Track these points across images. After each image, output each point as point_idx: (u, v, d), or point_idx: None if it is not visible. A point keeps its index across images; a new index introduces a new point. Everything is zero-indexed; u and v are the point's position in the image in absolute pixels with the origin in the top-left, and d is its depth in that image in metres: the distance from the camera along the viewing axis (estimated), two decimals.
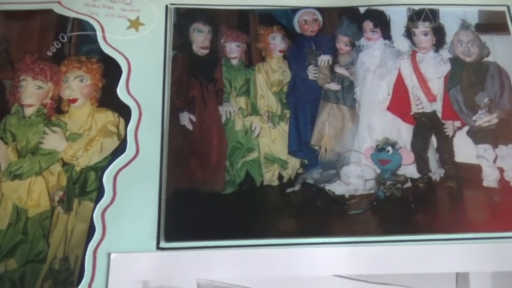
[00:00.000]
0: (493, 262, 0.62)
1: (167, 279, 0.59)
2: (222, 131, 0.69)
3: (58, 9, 0.76)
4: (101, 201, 0.63)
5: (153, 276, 0.59)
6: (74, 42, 0.73)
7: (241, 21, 0.77)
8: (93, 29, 0.74)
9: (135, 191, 0.64)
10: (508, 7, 0.80)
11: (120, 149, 0.66)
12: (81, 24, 0.75)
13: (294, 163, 0.68)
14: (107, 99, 0.69)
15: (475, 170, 0.69)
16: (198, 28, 0.75)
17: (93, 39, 0.73)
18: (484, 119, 0.72)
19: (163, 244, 0.61)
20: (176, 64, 0.72)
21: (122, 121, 0.68)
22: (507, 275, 0.62)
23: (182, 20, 0.76)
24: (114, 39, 0.74)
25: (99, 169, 0.65)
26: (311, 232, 0.63)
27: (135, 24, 0.75)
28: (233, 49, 0.74)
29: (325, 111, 0.72)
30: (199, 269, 0.60)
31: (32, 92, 0.69)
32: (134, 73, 0.71)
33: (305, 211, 0.65)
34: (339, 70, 0.74)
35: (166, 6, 0.77)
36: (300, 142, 0.70)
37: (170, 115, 0.69)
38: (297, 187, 0.66)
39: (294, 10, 0.78)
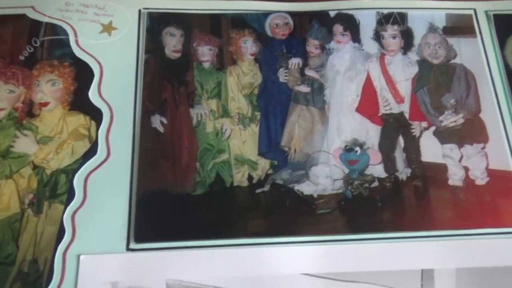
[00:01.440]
0: (457, 258, 0.64)
1: (137, 280, 0.60)
2: (193, 133, 0.70)
3: (31, 14, 0.77)
4: (71, 204, 0.63)
5: (122, 277, 0.60)
6: (46, 46, 0.74)
7: (213, 25, 0.78)
8: (66, 34, 0.75)
9: (106, 193, 0.64)
10: (475, 10, 0.83)
11: (91, 152, 0.67)
12: (54, 29, 0.75)
13: (264, 164, 0.69)
14: (79, 102, 0.70)
15: (441, 169, 0.70)
16: (170, 32, 0.76)
17: (65, 43, 0.74)
18: (450, 119, 0.74)
19: (133, 245, 0.62)
20: (148, 68, 0.73)
21: (93, 124, 0.69)
22: (470, 271, 0.63)
23: (155, 24, 0.77)
24: (86, 43, 0.74)
25: (70, 171, 0.65)
26: (279, 232, 0.64)
27: (108, 28, 0.76)
28: (205, 53, 0.76)
29: (295, 113, 0.73)
30: (168, 269, 0.61)
31: (3, 96, 0.69)
32: (106, 77, 0.72)
33: (274, 211, 0.66)
34: (309, 72, 0.76)
35: (139, 10, 0.78)
36: (270, 144, 0.71)
37: (142, 118, 0.70)
38: (266, 188, 0.67)
39: (266, 14, 0.79)
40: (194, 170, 0.67)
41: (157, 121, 0.70)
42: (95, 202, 0.64)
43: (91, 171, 0.66)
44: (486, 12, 0.82)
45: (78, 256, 0.60)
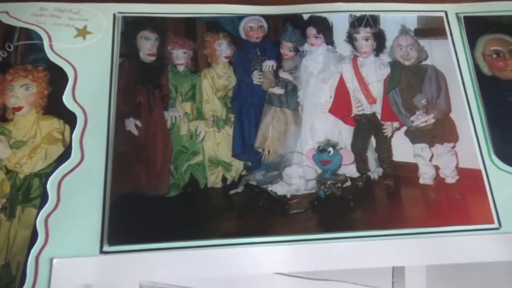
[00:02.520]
0: (427, 256, 0.65)
1: (110, 282, 0.60)
2: (167, 136, 0.70)
3: (6, 19, 0.77)
4: (44, 207, 0.63)
5: (95, 280, 0.60)
6: (20, 51, 0.74)
7: (188, 28, 0.79)
8: (40, 38, 0.75)
9: (80, 196, 0.65)
10: (446, 12, 0.84)
11: (65, 156, 0.67)
12: (28, 33, 0.75)
13: (238, 166, 0.70)
14: (53, 106, 0.70)
15: (412, 169, 0.72)
16: (145, 35, 0.77)
17: (39, 48, 0.74)
18: (421, 119, 0.75)
19: (106, 248, 0.62)
20: (122, 71, 0.74)
21: (67, 128, 0.69)
22: (440, 268, 0.64)
23: (130, 28, 0.77)
24: (61, 47, 0.74)
25: (44, 175, 0.65)
26: (253, 232, 0.65)
27: (83, 32, 0.76)
28: (180, 56, 0.76)
29: (269, 115, 0.74)
30: (142, 271, 0.61)
31: None
32: (80, 81, 0.72)
33: (248, 211, 0.67)
34: (283, 74, 0.77)
35: (114, 15, 0.78)
36: (244, 145, 0.72)
37: (116, 121, 0.70)
38: (240, 189, 0.68)
39: (240, 18, 0.80)
40: (168, 172, 0.68)
41: (132, 124, 0.70)
42: (68, 206, 0.64)
43: (65, 175, 0.66)
44: (457, 14, 0.84)
45: (51, 260, 0.60)
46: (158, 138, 0.70)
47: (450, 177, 0.71)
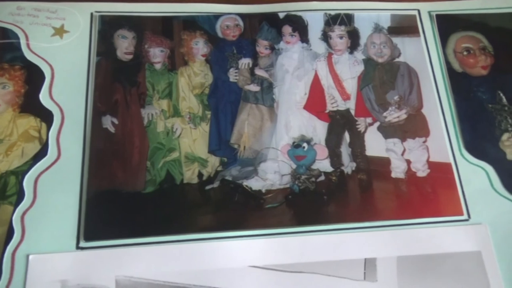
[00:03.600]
0: (398, 247, 0.67)
1: (86, 278, 0.61)
2: (143, 133, 0.71)
3: None
4: (21, 204, 0.64)
5: (71, 276, 0.61)
6: None
7: (165, 27, 0.80)
8: (17, 37, 0.75)
9: (56, 193, 0.65)
10: (418, 11, 0.86)
11: (41, 153, 0.68)
12: (5, 33, 0.75)
13: (214, 162, 0.71)
14: (30, 105, 0.71)
15: (384, 163, 0.73)
16: (122, 34, 0.78)
17: (16, 47, 0.74)
18: (394, 115, 0.77)
19: (82, 243, 0.63)
20: (99, 70, 0.74)
21: (44, 126, 0.69)
22: (411, 259, 0.66)
23: (107, 27, 0.78)
24: (38, 46, 0.75)
25: (20, 173, 0.66)
26: (228, 226, 0.66)
27: (60, 31, 0.77)
28: (157, 54, 0.77)
29: (244, 111, 0.75)
30: (118, 266, 0.62)
31: None
32: (57, 79, 0.73)
33: (223, 206, 0.68)
34: (259, 72, 0.78)
35: (91, 13, 0.79)
36: (220, 141, 0.73)
37: (93, 119, 0.71)
38: (216, 184, 0.69)
39: (217, 16, 0.82)
40: (144, 168, 0.69)
41: (108, 122, 0.71)
42: (45, 203, 0.65)
43: (41, 172, 0.66)
44: (429, 12, 0.86)
45: (27, 256, 0.61)
46: (134, 135, 0.71)
47: (421, 171, 0.73)
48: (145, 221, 0.65)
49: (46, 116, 0.70)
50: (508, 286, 0.64)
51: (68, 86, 0.72)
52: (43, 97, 0.71)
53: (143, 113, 0.73)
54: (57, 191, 0.65)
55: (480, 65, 0.81)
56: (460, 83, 0.80)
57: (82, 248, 0.63)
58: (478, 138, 0.75)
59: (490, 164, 0.73)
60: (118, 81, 0.74)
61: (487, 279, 0.65)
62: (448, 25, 0.85)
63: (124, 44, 0.77)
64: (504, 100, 0.78)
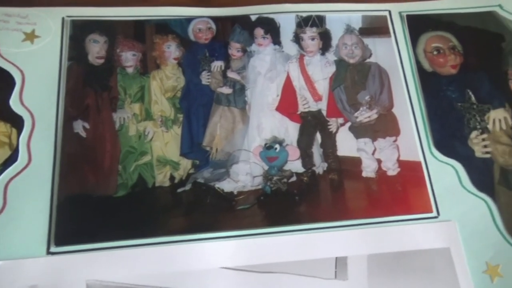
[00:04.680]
0: (369, 245, 0.68)
1: (56, 282, 0.61)
2: (115, 137, 0.72)
3: None
4: None
5: (42, 281, 0.61)
6: None
7: (137, 31, 0.80)
8: None
9: (27, 199, 0.65)
10: (389, 12, 0.87)
11: (11, 159, 0.67)
12: None
13: (185, 164, 0.72)
14: (0, 110, 0.71)
15: (355, 162, 0.74)
16: (94, 38, 0.78)
17: None
18: (365, 115, 0.78)
19: (53, 248, 0.63)
20: (71, 74, 0.74)
21: (14, 131, 0.69)
22: (381, 257, 0.67)
23: (78, 32, 0.78)
24: (8, 52, 0.75)
25: None
26: (200, 228, 0.66)
27: (31, 36, 0.76)
28: (129, 58, 0.77)
29: (217, 114, 0.76)
30: (89, 270, 0.62)
31: None
32: (28, 84, 0.72)
33: (195, 209, 0.68)
34: (231, 74, 0.79)
35: (63, 18, 0.79)
36: (192, 144, 0.73)
37: (64, 124, 0.71)
38: (188, 187, 0.70)
39: (189, 20, 0.82)
40: (116, 172, 0.69)
41: (80, 126, 0.71)
42: (15, 209, 0.65)
43: (12, 178, 0.66)
44: (400, 13, 0.87)
45: None
46: (106, 139, 0.71)
47: (392, 170, 0.74)
48: (116, 225, 0.65)
49: (16, 122, 0.70)
50: (476, 282, 0.66)
51: (39, 91, 0.72)
52: (14, 103, 0.71)
53: (115, 117, 0.73)
54: (27, 196, 0.65)
55: (449, 64, 0.83)
56: (430, 83, 0.81)
57: (53, 253, 0.63)
58: (448, 137, 0.77)
59: (459, 162, 0.74)
60: (89, 86, 0.74)
61: (456, 275, 0.66)
62: (418, 25, 0.86)
63: (96, 49, 0.77)
64: (473, 98, 0.80)
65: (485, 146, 0.76)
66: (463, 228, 0.69)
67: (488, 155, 0.75)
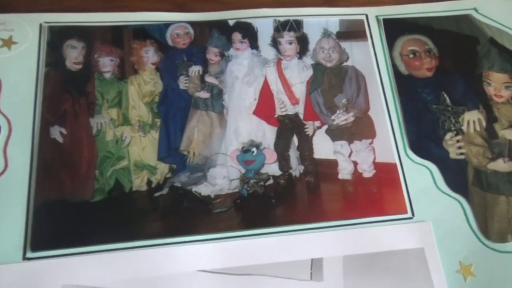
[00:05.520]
0: (345, 247, 0.68)
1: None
2: (92, 142, 0.72)
3: None
4: None
5: (18, 287, 0.61)
6: None
7: (115, 36, 0.80)
8: None
9: (3, 205, 0.65)
10: (366, 16, 0.89)
11: None
12: None
13: (163, 169, 0.72)
14: None
15: (332, 165, 0.75)
16: (72, 44, 0.78)
17: None
18: (341, 118, 0.79)
19: (29, 254, 0.63)
20: (48, 80, 0.75)
21: None
22: (356, 258, 0.68)
23: (56, 38, 0.79)
24: None
25: None
26: (177, 232, 0.67)
27: (8, 43, 0.77)
28: (106, 64, 0.78)
29: (194, 118, 0.77)
30: (65, 275, 0.63)
31: None
32: (5, 91, 0.73)
33: (172, 212, 0.69)
34: (209, 79, 0.80)
35: (40, 24, 0.79)
36: (169, 149, 0.74)
37: (41, 130, 0.71)
38: (165, 191, 0.70)
39: (167, 25, 0.83)
40: (93, 177, 0.69)
41: (57, 132, 0.71)
42: None
43: None
44: (377, 17, 0.88)
45: None
46: (83, 145, 0.71)
47: (368, 172, 0.75)
48: (93, 230, 0.66)
49: None
50: (449, 281, 0.67)
51: (16, 98, 0.73)
52: None
53: (92, 123, 0.73)
54: (3, 202, 0.66)
55: (425, 67, 0.84)
56: (406, 85, 0.82)
57: (29, 259, 0.63)
58: (423, 138, 0.78)
59: (434, 163, 0.75)
60: (67, 91, 0.75)
61: (430, 275, 0.67)
62: (395, 29, 0.88)
63: (73, 54, 0.77)
64: (448, 100, 0.81)
65: (460, 148, 0.77)
66: (437, 229, 0.70)
67: (462, 156, 0.77)
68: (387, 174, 0.74)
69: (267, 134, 0.76)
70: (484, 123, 0.79)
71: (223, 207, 0.70)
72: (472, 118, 0.80)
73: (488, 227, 0.71)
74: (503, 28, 0.88)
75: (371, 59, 0.84)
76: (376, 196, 0.73)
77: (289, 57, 0.82)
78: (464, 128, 0.79)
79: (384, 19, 0.88)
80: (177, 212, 0.69)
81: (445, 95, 0.81)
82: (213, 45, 0.82)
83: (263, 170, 0.74)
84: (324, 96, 0.80)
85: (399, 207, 0.72)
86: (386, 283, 0.67)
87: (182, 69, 0.79)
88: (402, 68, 0.84)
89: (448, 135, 0.78)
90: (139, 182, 0.70)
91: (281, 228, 0.69)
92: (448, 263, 0.68)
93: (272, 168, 0.74)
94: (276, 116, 0.78)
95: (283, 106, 0.79)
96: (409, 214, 0.71)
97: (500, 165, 0.76)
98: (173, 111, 0.76)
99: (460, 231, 0.71)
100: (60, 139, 0.71)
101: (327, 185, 0.73)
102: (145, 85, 0.77)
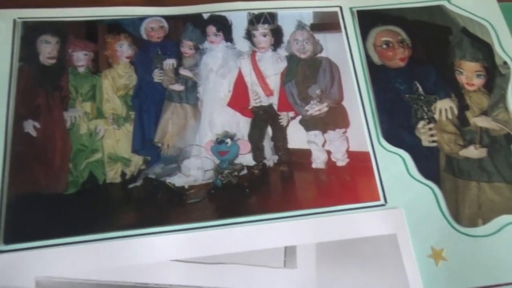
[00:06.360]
0: (318, 234, 0.69)
1: (5, 281, 0.61)
2: (66, 136, 0.72)
3: None
4: None
5: None
6: None
7: (89, 31, 0.80)
8: None
9: None
10: (340, 8, 0.89)
11: None
12: None
13: (137, 161, 0.73)
14: None
15: (305, 154, 0.76)
16: (45, 39, 0.78)
17: None
18: (315, 108, 0.80)
19: (2, 247, 0.63)
20: (22, 75, 0.75)
21: None
22: (329, 245, 0.69)
23: (30, 33, 0.79)
24: None
25: None
26: (151, 223, 0.67)
27: None
28: (80, 58, 0.78)
29: (168, 111, 0.77)
30: (39, 267, 0.63)
31: None
32: None
33: (146, 204, 0.69)
34: (183, 72, 0.80)
35: (14, 20, 0.79)
36: (143, 141, 0.74)
37: (14, 124, 0.71)
38: (139, 183, 0.71)
39: (141, 19, 0.83)
40: (67, 170, 0.70)
41: (30, 126, 0.72)
42: None
43: None
44: (350, 8, 0.89)
45: None
46: (57, 138, 0.72)
47: (341, 160, 0.75)
48: (66, 222, 0.66)
49: None
50: (421, 265, 0.68)
51: None
52: None
53: (66, 116, 0.74)
54: None
55: (398, 57, 0.85)
56: (379, 75, 0.83)
57: (2, 252, 0.63)
58: (396, 127, 0.79)
59: (406, 151, 0.76)
60: (40, 86, 0.75)
61: (402, 260, 0.68)
62: (368, 20, 0.89)
63: (47, 49, 0.78)
64: (420, 90, 0.82)
65: (432, 135, 0.78)
66: (410, 215, 0.71)
67: (434, 144, 0.78)
68: (360, 162, 0.75)
69: (241, 125, 0.77)
70: (456, 111, 0.81)
71: (197, 197, 0.70)
72: (444, 107, 0.81)
73: (459, 213, 0.73)
74: (475, 18, 0.90)
75: (345, 50, 0.85)
76: (349, 184, 0.74)
77: (263, 49, 0.83)
78: (436, 116, 0.80)
79: (358, 11, 0.89)
80: (151, 203, 0.69)
81: (418, 85, 0.83)
82: (187, 38, 0.82)
83: (237, 161, 0.74)
84: (298, 87, 0.81)
85: (372, 194, 0.73)
86: (359, 269, 0.68)
87: (157, 63, 0.80)
88: (376, 59, 0.85)
89: (421, 124, 0.79)
90: (113, 174, 0.71)
91: (255, 217, 0.69)
92: (420, 248, 0.69)
93: (246, 158, 0.75)
94: (250, 107, 0.79)
95: (257, 98, 0.79)
96: (381, 201, 0.72)
97: (472, 151, 0.78)
98: (147, 104, 0.77)
99: (432, 217, 0.72)
100: (34, 133, 0.71)
101: (301, 174, 0.74)
102: (119, 79, 0.78)
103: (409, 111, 0.80)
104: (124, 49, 0.80)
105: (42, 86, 0.75)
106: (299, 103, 0.80)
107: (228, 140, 0.75)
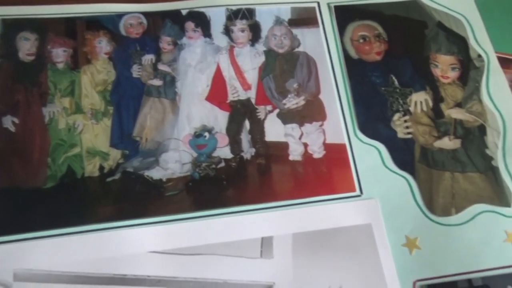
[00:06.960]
0: (294, 225, 0.70)
1: None
2: (45, 130, 0.73)
3: None
4: None
5: None
6: None
7: (68, 28, 0.81)
8: None
9: None
10: (318, 3, 0.91)
11: None
12: None
13: (115, 155, 0.74)
14: None
15: (283, 147, 0.77)
16: (25, 36, 0.79)
17: None
18: (292, 102, 0.81)
19: None
20: (1, 72, 0.76)
21: None
22: (306, 235, 0.70)
23: (9, 30, 0.79)
24: None
25: None
26: (129, 215, 0.68)
27: None
28: (59, 54, 0.79)
29: (147, 105, 0.78)
30: (17, 260, 0.64)
31: None
32: None
33: (124, 197, 0.70)
34: (162, 67, 0.81)
35: None
36: (122, 135, 0.75)
37: None
38: (117, 176, 0.72)
39: (120, 15, 0.84)
40: (45, 165, 0.71)
41: (9, 122, 0.72)
42: None
43: None
44: (328, 4, 0.91)
45: None
46: (35, 133, 0.72)
47: (318, 153, 0.77)
48: (45, 215, 0.67)
49: None
50: (395, 254, 0.69)
51: None
52: None
53: (44, 111, 0.74)
54: None
55: (374, 51, 0.87)
56: (355, 69, 0.84)
57: None
58: (372, 119, 0.80)
59: (382, 143, 0.78)
60: (19, 82, 0.76)
61: (377, 249, 0.70)
62: (346, 15, 0.90)
63: (26, 46, 0.78)
64: (396, 83, 0.84)
65: (407, 127, 0.80)
66: (385, 205, 0.73)
67: (409, 136, 0.79)
68: (336, 154, 0.77)
69: (219, 119, 0.78)
70: (430, 103, 0.82)
71: (175, 190, 0.71)
72: (419, 99, 0.83)
73: (433, 202, 0.74)
74: (450, 12, 0.91)
75: (322, 45, 0.86)
76: (325, 176, 0.75)
77: (241, 44, 0.84)
78: (412, 108, 0.82)
79: (335, 6, 0.90)
80: (129, 196, 0.70)
81: (394, 78, 0.84)
82: (166, 34, 0.83)
83: (215, 154, 0.75)
84: (275, 81, 0.82)
85: (348, 185, 0.74)
86: (334, 258, 0.69)
87: (135, 58, 0.81)
88: (353, 53, 0.86)
89: (396, 116, 0.81)
90: (91, 168, 0.72)
91: (232, 208, 0.70)
92: (395, 237, 0.70)
93: (224, 151, 0.76)
94: (228, 101, 0.80)
95: (235, 92, 0.80)
96: (357, 192, 0.73)
97: (446, 142, 0.79)
98: (126, 99, 0.78)
99: (407, 207, 0.73)
100: (12, 128, 0.72)
101: (278, 167, 0.75)
102: (98, 74, 0.78)
103: (385, 104, 0.82)
104: (103, 45, 0.81)
105: (21, 82, 0.75)
106: (276, 96, 0.81)
107: (206, 134, 0.76)
